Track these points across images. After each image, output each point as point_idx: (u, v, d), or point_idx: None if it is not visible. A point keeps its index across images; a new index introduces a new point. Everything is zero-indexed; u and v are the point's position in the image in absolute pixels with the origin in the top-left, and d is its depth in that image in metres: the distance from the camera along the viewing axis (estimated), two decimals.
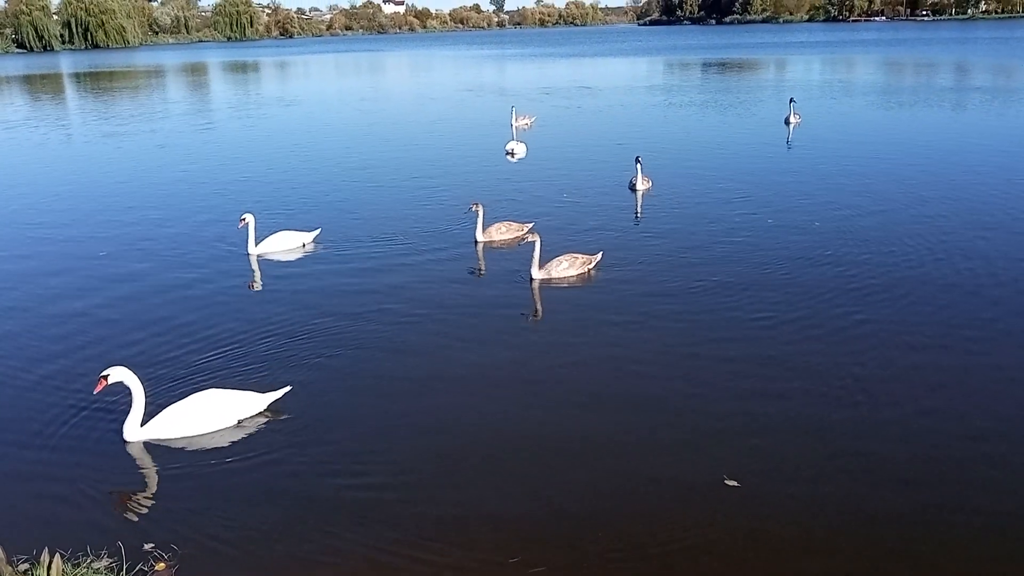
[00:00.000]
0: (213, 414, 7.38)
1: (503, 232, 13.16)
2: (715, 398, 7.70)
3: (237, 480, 6.60)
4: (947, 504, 6.05)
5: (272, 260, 12.82)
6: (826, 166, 19.01)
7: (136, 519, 6.14)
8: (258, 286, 11.69)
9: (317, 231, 13.67)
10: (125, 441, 7.20)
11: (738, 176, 18.20)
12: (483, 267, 12.11)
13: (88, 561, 5.47)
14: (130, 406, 7.23)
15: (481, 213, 12.96)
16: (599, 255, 11.57)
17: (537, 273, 11.23)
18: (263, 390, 7.70)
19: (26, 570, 5.28)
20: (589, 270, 11.37)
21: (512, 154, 21.68)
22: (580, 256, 11.40)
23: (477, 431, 7.30)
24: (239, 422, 7.47)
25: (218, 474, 6.71)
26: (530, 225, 13.29)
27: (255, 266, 12.59)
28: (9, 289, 11.80)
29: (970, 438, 6.89)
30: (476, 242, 12.99)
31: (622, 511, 6.08)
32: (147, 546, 5.72)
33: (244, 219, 12.97)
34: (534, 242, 11.20)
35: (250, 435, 7.32)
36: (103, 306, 10.83)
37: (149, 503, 6.38)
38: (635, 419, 7.41)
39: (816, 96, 34.64)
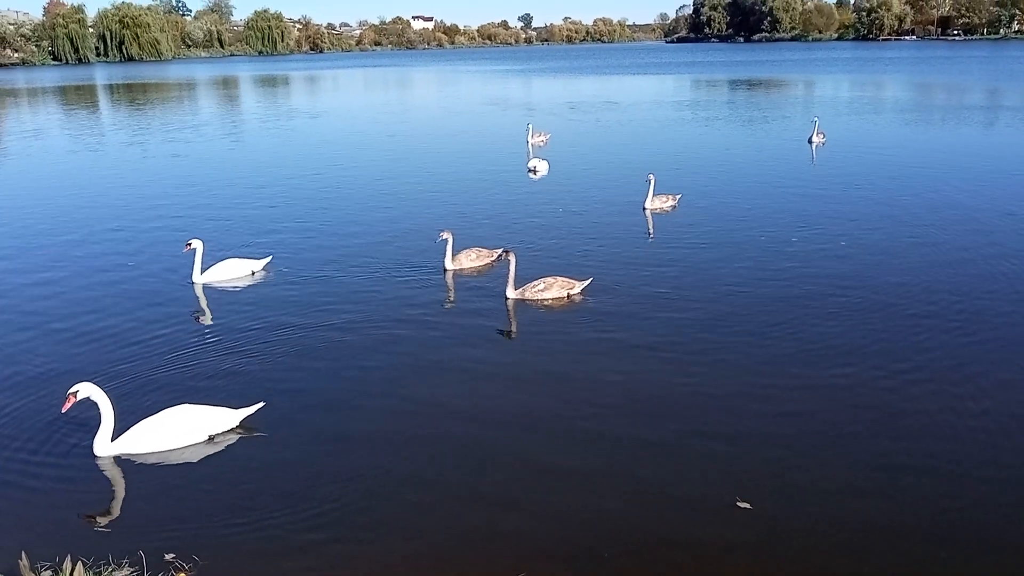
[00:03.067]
0: (184, 429, 7.45)
1: (473, 259, 12.75)
2: (727, 420, 7.69)
3: (255, 492, 6.69)
4: (969, 530, 6.00)
5: (219, 289, 12.22)
6: (848, 186, 18.90)
7: (157, 528, 6.23)
8: (206, 317, 11.11)
9: (268, 259, 13.08)
10: (95, 456, 7.28)
11: (758, 196, 18.21)
12: (452, 294, 11.76)
13: (109, 570, 5.58)
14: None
15: (451, 240, 12.54)
16: (586, 281, 11.35)
17: (512, 293, 11.21)
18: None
19: None
20: (569, 294, 11.18)
21: (535, 171, 21.75)
22: (560, 279, 11.24)
23: (469, 450, 7.30)
24: (211, 437, 7.54)
25: (236, 486, 6.81)
26: (499, 251, 12.65)
27: (201, 295, 11.98)
28: None
29: (994, 463, 6.83)
30: (445, 270, 12.55)
31: (631, 531, 6.10)
32: (168, 556, 5.82)
33: (190, 244, 12.36)
34: (510, 260, 11.19)
35: (258, 449, 7.40)
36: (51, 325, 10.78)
37: (171, 513, 6.47)
38: (644, 439, 7.41)
39: (843, 114, 34.55)
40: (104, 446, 7.31)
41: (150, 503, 6.64)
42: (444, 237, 12.52)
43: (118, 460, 7.27)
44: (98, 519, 6.43)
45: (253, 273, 12.81)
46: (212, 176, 23.45)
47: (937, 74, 63.46)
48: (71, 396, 7.25)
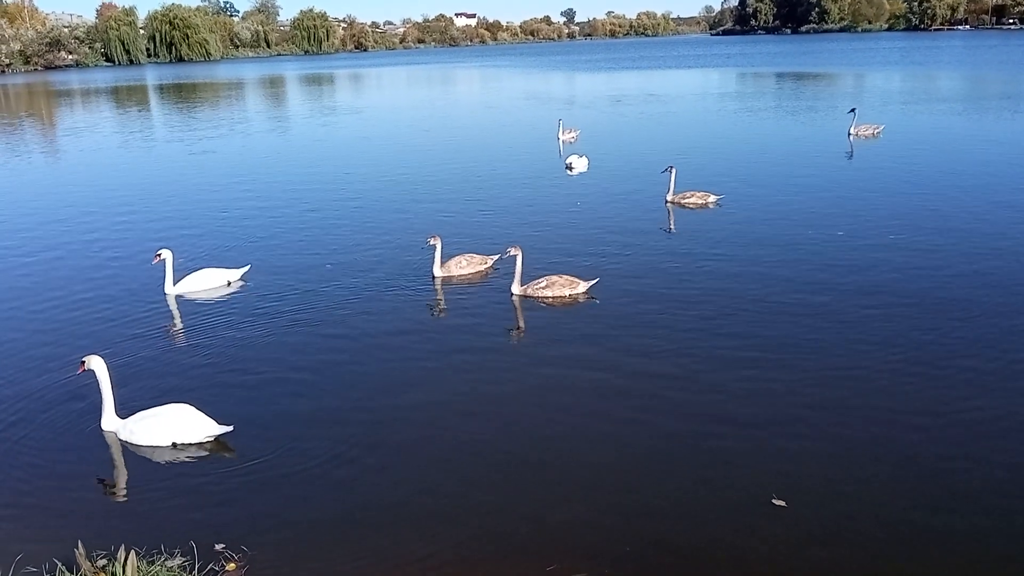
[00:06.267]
0: (183, 428, 7.58)
1: (463, 266, 12.26)
2: (760, 418, 7.68)
3: (304, 485, 6.88)
4: (1008, 534, 5.94)
5: (193, 301, 11.85)
6: (885, 182, 18.63)
7: (209, 519, 6.45)
8: (178, 329, 10.85)
9: (245, 268, 12.62)
10: (103, 430, 7.80)
11: (787, 191, 18.05)
12: (441, 303, 11.46)
13: (162, 559, 5.79)
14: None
15: (439, 247, 12.08)
16: (592, 281, 11.27)
17: (517, 289, 11.22)
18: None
19: (104, 565, 5.62)
20: (571, 293, 11.12)
21: (571, 168, 21.64)
22: (563, 277, 11.20)
23: (490, 453, 7.34)
24: (198, 442, 7.60)
25: (288, 478, 6.98)
26: (495, 258, 12.48)
27: (174, 308, 11.63)
28: None
29: None
30: (433, 277, 12.18)
31: (663, 527, 6.16)
32: (218, 546, 6.01)
33: (160, 255, 11.92)
34: (516, 256, 11.18)
35: (309, 444, 7.57)
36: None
37: (223, 503, 6.68)
38: (673, 437, 7.45)
39: (890, 105, 33.85)
40: (111, 421, 7.81)
41: (196, 495, 6.84)
42: (432, 243, 12.06)
43: (161, 453, 7.52)
44: (147, 509, 6.66)
45: (229, 283, 12.39)
46: (229, 176, 23.62)
47: (984, 65, 61.79)
48: (82, 363, 7.91)
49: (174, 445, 7.59)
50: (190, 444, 7.60)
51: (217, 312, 11.38)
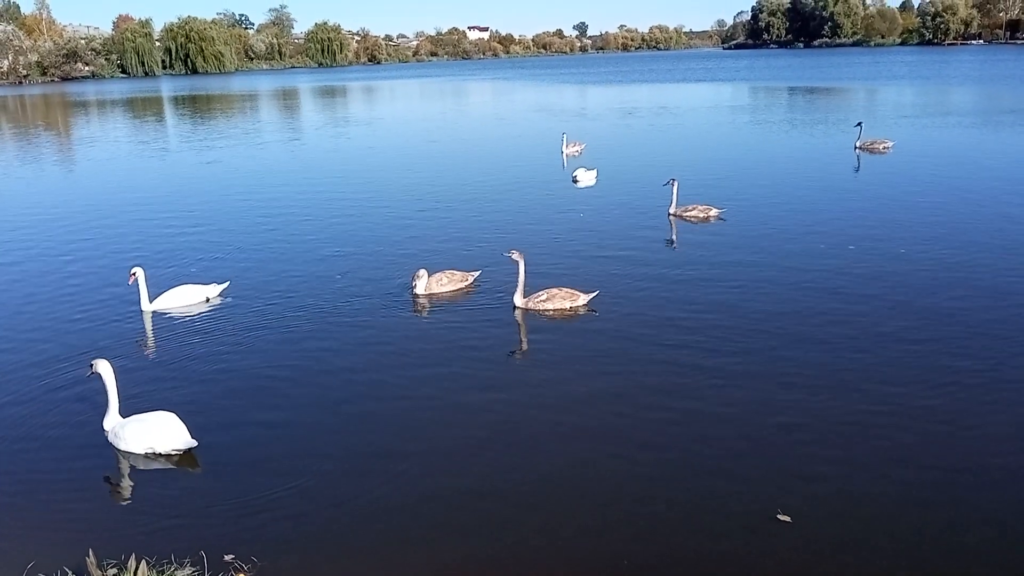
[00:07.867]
0: (155, 437, 7.61)
1: (444, 283, 12.12)
2: (770, 431, 7.69)
3: (313, 497, 6.91)
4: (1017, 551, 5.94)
5: (171, 317, 11.68)
6: (891, 196, 18.67)
7: (218, 528, 6.49)
8: (152, 346, 10.72)
9: (225, 284, 12.45)
10: (104, 430, 7.92)
11: (792, 206, 18.06)
12: (434, 319, 11.31)
13: (172, 569, 5.84)
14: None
15: (425, 277, 12.00)
16: (593, 293, 11.28)
17: (520, 300, 11.16)
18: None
19: (115, 575, 5.68)
20: (572, 306, 11.12)
21: (577, 180, 21.66)
22: (564, 290, 11.17)
23: (495, 467, 7.33)
24: (170, 452, 7.64)
25: (297, 490, 7.02)
26: (476, 273, 12.46)
27: (149, 324, 11.46)
28: None
29: None
30: (416, 295, 12.01)
31: (668, 543, 6.18)
32: (228, 557, 6.05)
33: (133, 273, 11.76)
34: (519, 263, 11.11)
35: (316, 457, 7.61)
36: None
37: (232, 514, 6.70)
38: (677, 451, 7.46)
39: (902, 119, 33.80)
40: (111, 421, 7.94)
41: (206, 504, 6.87)
42: (416, 283, 12.00)
43: (168, 460, 7.58)
44: (156, 517, 6.70)
45: (208, 300, 12.22)
46: (232, 188, 23.66)
47: (996, 80, 61.63)
48: (91, 365, 8.12)
49: (146, 455, 7.64)
50: (161, 455, 7.61)
51: (193, 328, 11.21)
